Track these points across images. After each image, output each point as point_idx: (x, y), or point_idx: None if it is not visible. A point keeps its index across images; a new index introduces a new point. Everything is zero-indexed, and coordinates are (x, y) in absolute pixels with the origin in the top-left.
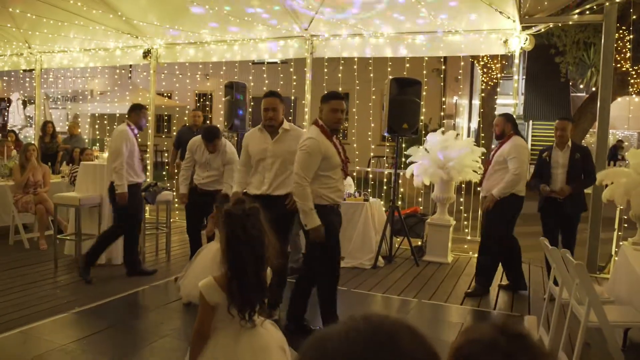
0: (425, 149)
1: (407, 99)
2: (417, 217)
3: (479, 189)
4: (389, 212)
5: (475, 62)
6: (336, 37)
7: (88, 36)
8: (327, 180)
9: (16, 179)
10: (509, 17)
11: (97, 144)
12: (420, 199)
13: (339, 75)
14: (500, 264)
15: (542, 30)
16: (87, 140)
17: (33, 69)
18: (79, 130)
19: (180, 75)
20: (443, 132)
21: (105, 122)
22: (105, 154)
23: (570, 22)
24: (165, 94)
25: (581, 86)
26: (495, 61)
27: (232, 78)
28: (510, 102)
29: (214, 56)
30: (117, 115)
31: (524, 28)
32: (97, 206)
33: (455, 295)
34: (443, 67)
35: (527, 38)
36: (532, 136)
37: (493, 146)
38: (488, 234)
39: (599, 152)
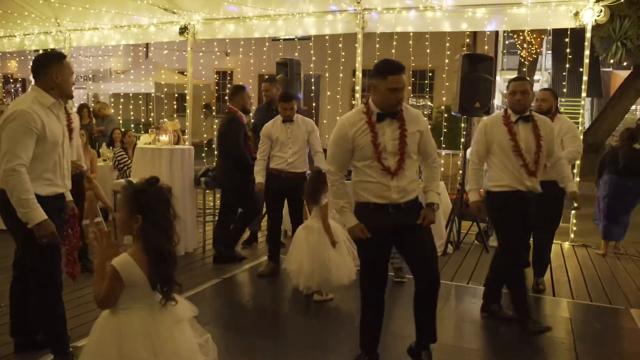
0: None
1: (479, 76)
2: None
3: None
4: (458, 195)
5: (514, 36)
6: (390, 10)
7: (121, 10)
8: None
9: None
10: None
11: (141, 127)
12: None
13: (392, 51)
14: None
15: (622, 0)
16: (120, 121)
17: (61, 48)
18: (111, 110)
19: (201, 54)
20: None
21: (130, 101)
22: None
23: None
24: (184, 72)
25: (611, 61)
26: (535, 35)
27: (249, 55)
28: (538, 78)
29: (256, 32)
30: (140, 94)
31: None
32: None
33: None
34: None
35: (601, 10)
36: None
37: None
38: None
39: None
